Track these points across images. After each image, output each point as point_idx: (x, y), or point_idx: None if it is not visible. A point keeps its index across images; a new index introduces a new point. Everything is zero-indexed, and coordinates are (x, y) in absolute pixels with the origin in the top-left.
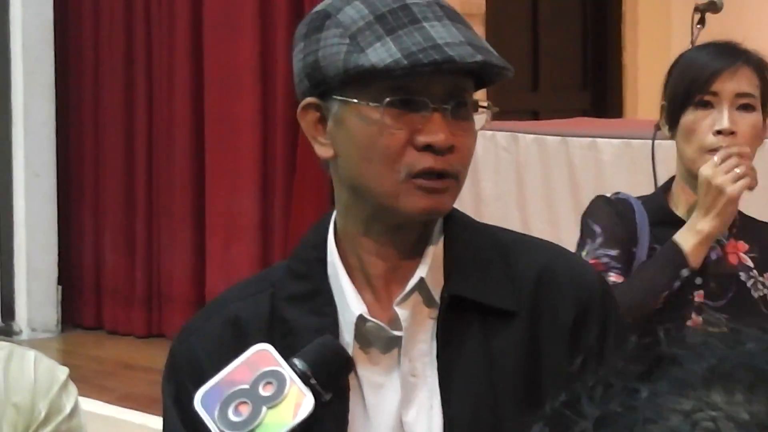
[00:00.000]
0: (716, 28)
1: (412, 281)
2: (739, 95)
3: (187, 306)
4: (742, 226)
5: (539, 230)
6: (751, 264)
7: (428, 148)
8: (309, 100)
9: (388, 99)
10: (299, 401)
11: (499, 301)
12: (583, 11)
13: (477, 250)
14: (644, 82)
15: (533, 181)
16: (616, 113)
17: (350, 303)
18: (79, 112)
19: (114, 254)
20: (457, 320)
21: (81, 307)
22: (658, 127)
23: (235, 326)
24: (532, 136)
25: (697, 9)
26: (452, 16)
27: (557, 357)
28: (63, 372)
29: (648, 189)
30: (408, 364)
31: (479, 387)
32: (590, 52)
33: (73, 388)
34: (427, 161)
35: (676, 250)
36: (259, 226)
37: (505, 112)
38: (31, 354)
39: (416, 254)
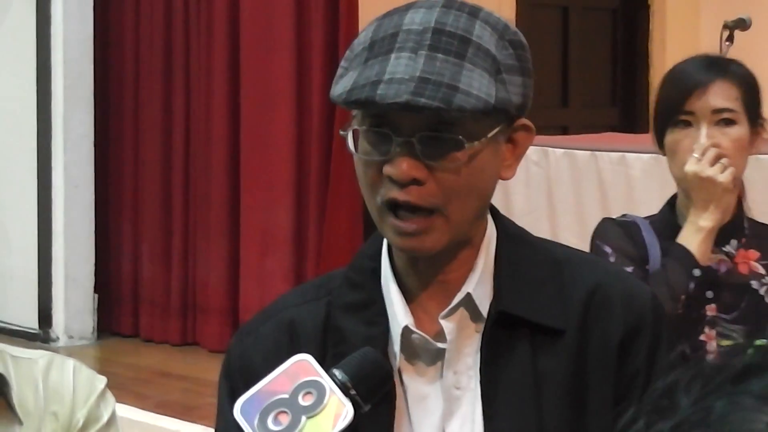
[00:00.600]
0: (745, 46)
1: (459, 295)
2: (717, 111)
3: (221, 316)
4: (753, 234)
5: (569, 244)
6: (763, 271)
7: (391, 179)
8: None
9: (363, 128)
10: (339, 411)
11: (549, 319)
12: (613, 30)
13: (529, 265)
14: None
15: (563, 195)
16: (645, 129)
17: (397, 314)
18: (118, 125)
19: (150, 264)
20: (504, 336)
21: (117, 316)
22: None
23: (290, 331)
24: (562, 150)
25: (726, 26)
26: (440, 45)
27: (603, 376)
28: (101, 381)
29: None
30: (452, 376)
31: (523, 403)
32: (619, 69)
33: (110, 398)
34: (391, 192)
35: (684, 251)
36: (292, 239)
37: (535, 127)
38: (70, 363)
39: (461, 266)
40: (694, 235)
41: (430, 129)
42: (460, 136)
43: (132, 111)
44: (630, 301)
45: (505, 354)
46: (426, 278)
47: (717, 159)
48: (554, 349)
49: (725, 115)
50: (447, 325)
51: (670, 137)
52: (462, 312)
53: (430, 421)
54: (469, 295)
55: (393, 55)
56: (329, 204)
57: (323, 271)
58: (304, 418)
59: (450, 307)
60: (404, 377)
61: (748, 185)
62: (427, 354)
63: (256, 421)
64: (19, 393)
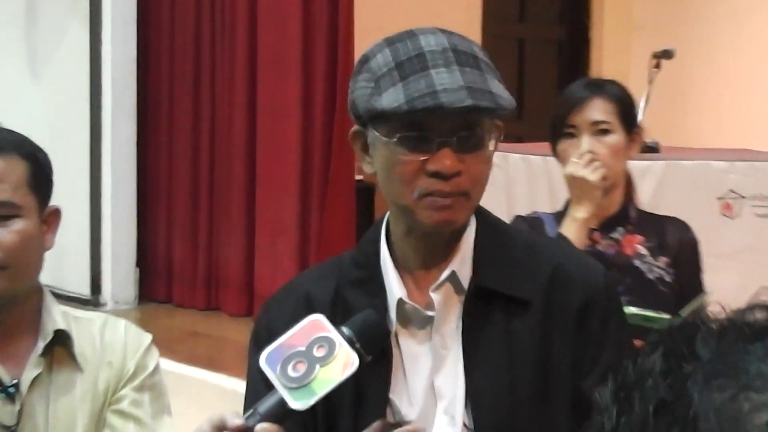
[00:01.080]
0: (670, 72)
1: (445, 273)
2: (594, 123)
3: (239, 287)
4: (639, 222)
5: None
6: (645, 252)
7: (436, 174)
8: (355, 128)
9: (398, 135)
10: (347, 361)
11: (519, 291)
12: (560, 58)
13: (503, 248)
14: None
15: (520, 193)
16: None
17: (393, 288)
18: (156, 131)
19: (181, 244)
20: (482, 306)
21: (154, 285)
22: None
23: (306, 302)
24: (519, 155)
25: (654, 56)
26: (463, 61)
27: (563, 339)
28: (147, 338)
29: None
30: (439, 339)
31: (497, 360)
32: (567, 76)
33: (155, 351)
34: (437, 185)
35: (563, 239)
36: (298, 226)
37: None
38: (121, 322)
39: (449, 250)
40: (571, 225)
41: (469, 128)
42: (486, 135)
43: (167, 120)
44: (586, 279)
45: (482, 320)
46: (420, 260)
47: (590, 162)
48: (523, 317)
49: (602, 126)
50: (435, 297)
51: (560, 147)
52: (447, 286)
53: (421, 374)
54: (453, 272)
55: (432, 71)
56: (328, 197)
57: (324, 252)
58: (318, 366)
59: (438, 282)
60: (400, 339)
61: (666, 186)
62: (418, 320)
63: (278, 369)
64: (80, 346)
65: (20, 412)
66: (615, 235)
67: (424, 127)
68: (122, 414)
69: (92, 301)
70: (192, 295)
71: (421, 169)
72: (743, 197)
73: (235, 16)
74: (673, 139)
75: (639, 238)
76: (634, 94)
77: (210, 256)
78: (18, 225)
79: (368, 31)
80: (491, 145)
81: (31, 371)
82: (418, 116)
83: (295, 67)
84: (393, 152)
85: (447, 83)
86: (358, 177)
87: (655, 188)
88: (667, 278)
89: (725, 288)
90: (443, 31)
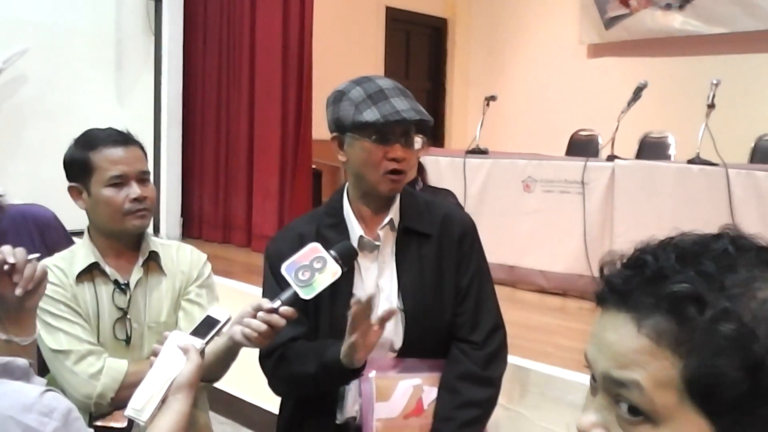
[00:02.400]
0: (494, 108)
1: (386, 219)
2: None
3: (242, 229)
4: (424, 190)
5: None
6: None
7: (394, 159)
8: (334, 134)
9: (374, 137)
10: (334, 271)
11: (426, 229)
12: (427, 101)
13: (415, 204)
14: (455, 135)
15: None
16: (440, 146)
17: (355, 229)
18: (193, 135)
19: (208, 203)
20: (406, 238)
21: (191, 227)
22: (467, 152)
23: (299, 238)
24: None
25: (485, 99)
26: (405, 93)
27: (450, 257)
28: (204, 256)
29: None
30: (381, 258)
31: (415, 270)
32: (432, 111)
33: (209, 264)
34: (393, 166)
35: None
36: (278, 194)
37: None
38: (188, 246)
39: (388, 205)
40: None
41: (408, 133)
42: (418, 136)
43: (200, 128)
44: (462, 221)
45: (405, 246)
46: (370, 212)
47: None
48: (428, 244)
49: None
50: (381, 233)
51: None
52: (387, 226)
53: (371, 278)
54: (391, 219)
55: (392, 100)
56: (296, 177)
57: (293, 210)
58: (316, 273)
59: (382, 225)
60: (359, 258)
61: (492, 175)
62: (370, 247)
63: (293, 274)
64: (164, 261)
65: (129, 300)
66: None
67: (386, 132)
68: (190, 301)
69: None
70: (214, 233)
71: (384, 157)
72: (536, 180)
73: (241, 67)
74: (496, 146)
75: None
76: (473, 122)
77: (225, 210)
78: (152, 185)
79: (318, 77)
80: (417, 144)
81: (136, 275)
82: (387, 126)
83: (276, 98)
84: (369, 147)
85: (403, 107)
86: (313, 166)
87: (486, 176)
88: None
89: (523, 231)
90: (385, 77)
